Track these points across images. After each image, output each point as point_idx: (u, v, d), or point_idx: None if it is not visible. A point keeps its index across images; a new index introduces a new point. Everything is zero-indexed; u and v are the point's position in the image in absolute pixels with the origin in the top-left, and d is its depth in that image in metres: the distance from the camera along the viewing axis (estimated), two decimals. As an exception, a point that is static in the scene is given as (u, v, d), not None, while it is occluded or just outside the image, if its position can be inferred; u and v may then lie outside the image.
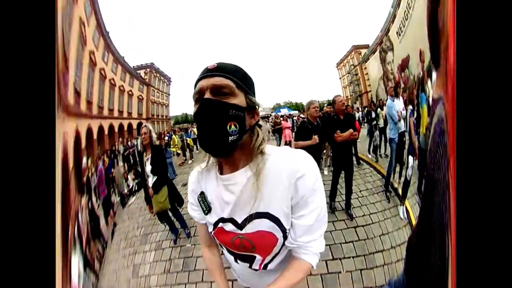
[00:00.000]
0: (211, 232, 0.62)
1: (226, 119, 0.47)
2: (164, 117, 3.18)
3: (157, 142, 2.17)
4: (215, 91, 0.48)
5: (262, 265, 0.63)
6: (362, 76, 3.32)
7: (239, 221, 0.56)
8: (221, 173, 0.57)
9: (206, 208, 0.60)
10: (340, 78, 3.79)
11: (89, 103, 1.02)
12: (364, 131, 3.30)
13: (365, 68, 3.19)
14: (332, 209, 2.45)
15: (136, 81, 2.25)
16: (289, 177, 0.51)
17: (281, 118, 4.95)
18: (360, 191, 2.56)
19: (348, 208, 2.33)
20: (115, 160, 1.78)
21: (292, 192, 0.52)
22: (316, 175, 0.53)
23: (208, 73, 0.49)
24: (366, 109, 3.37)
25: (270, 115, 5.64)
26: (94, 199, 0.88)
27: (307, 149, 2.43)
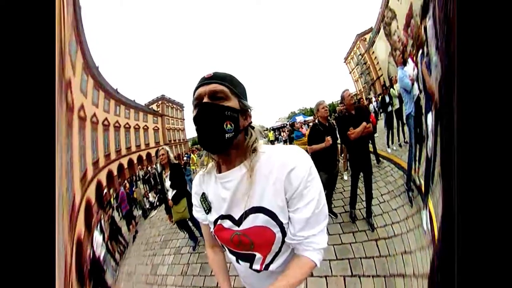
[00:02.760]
0: (212, 231, 0.69)
1: (223, 119, 0.55)
2: (182, 140, 3.87)
3: (175, 161, 2.73)
4: (212, 96, 0.56)
5: (264, 265, 0.66)
6: (371, 62, 3.28)
7: (236, 217, 0.62)
8: (219, 173, 0.65)
9: (207, 207, 0.67)
10: (350, 73, 3.79)
11: (107, 156, 1.59)
12: (381, 123, 3.13)
13: (373, 52, 3.17)
14: (352, 218, 2.45)
15: (150, 115, 2.94)
16: (281, 171, 0.55)
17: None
18: (382, 194, 2.48)
19: (368, 216, 2.29)
20: (136, 183, 2.41)
21: (286, 185, 0.55)
22: (309, 167, 0.57)
23: (205, 81, 0.58)
24: (380, 96, 3.30)
25: (286, 124, 5.78)
26: (116, 213, 1.41)
27: (323, 152, 2.58)
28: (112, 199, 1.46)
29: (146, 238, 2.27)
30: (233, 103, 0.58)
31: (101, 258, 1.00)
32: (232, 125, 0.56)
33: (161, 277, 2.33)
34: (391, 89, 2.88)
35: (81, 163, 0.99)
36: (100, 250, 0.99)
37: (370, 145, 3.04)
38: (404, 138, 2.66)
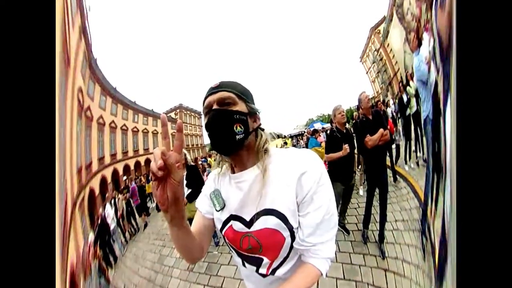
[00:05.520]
0: (221, 231, 0.72)
1: (232, 122, 0.60)
2: (199, 145, 4.36)
3: (192, 163, 3.10)
4: (221, 102, 0.62)
5: (270, 270, 0.68)
6: (387, 57, 3.19)
7: (247, 219, 0.65)
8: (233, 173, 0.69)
9: (220, 205, 0.69)
10: (367, 73, 3.79)
11: (124, 153, 2.00)
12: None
13: (388, 45, 3.16)
14: (364, 239, 2.45)
15: (168, 123, 3.42)
16: (293, 174, 0.59)
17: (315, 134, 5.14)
18: (396, 220, 2.37)
19: (381, 241, 2.25)
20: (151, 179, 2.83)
21: (297, 188, 0.59)
22: (321, 172, 0.60)
23: (213, 90, 0.64)
24: (398, 96, 3.20)
25: (304, 131, 5.84)
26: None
27: (339, 162, 2.70)
28: (128, 183, 1.86)
29: (158, 229, 2.58)
30: (241, 107, 0.64)
31: (111, 228, 1.31)
32: (242, 127, 0.61)
33: (167, 268, 2.55)
34: (408, 87, 2.78)
35: (99, 150, 1.34)
36: (110, 221, 1.30)
37: (389, 158, 2.92)
38: (423, 153, 2.49)
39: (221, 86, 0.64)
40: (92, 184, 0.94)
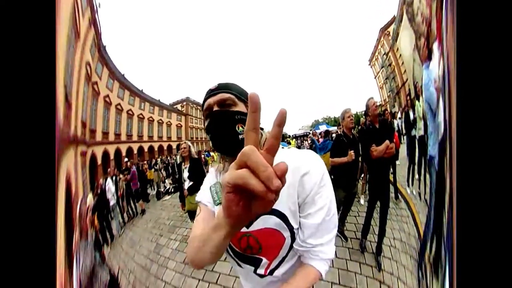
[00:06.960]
0: None
1: (234, 122, 0.61)
2: (203, 138, 4.45)
3: (195, 156, 3.12)
4: (221, 104, 0.63)
5: (268, 270, 0.68)
6: (396, 63, 3.20)
7: None
8: None
9: (219, 199, 0.69)
10: (375, 77, 3.76)
11: (128, 136, 2.04)
12: (403, 148, 3.03)
13: (397, 49, 3.17)
14: (362, 248, 2.44)
15: (174, 114, 3.54)
16: (294, 174, 0.58)
17: (319, 136, 5.13)
18: (394, 238, 2.33)
19: (378, 253, 2.23)
20: (154, 167, 2.89)
21: (299, 189, 0.59)
22: (323, 172, 0.60)
23: (212, 92, 0.64)
24: (405, 110, 3.13)
25: (309, 133, 5.82)
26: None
27: (343, 168, 2.64)
28: (129, 166, 1.90)
29: (156, 218, 2.59)
30: (241, 107, 0.65)
31: (111, 203, 1.33)
32: (244, 127, 0.64)
33: (163, 258, 2.54)
34: (417, 103, 2.72)
35: (104, 124, 1.35)
36: (111, 197, 1.32)
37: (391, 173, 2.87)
38: (425, 192, 2.36)
39: (220, 88, 0.65)
40: (95, 150, 0.94)
